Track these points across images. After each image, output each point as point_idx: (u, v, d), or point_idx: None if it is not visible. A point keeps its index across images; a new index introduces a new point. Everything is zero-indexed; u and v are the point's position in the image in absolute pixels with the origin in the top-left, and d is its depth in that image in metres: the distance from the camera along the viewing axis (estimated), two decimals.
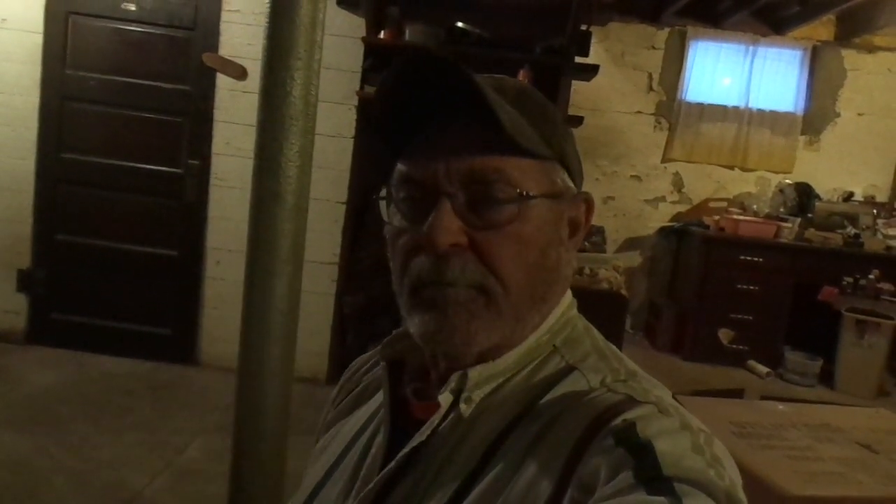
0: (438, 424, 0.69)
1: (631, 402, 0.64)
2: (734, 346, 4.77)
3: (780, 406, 1.76)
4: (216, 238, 4.07)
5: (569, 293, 0.77)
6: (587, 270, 3.71)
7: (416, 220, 0.68)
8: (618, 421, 0.61)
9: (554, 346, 0.73)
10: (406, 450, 0.69)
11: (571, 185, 0.74)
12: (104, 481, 2.77)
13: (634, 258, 5.26)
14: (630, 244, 5.37)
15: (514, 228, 0.67)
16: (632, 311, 5.18)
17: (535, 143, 0.68)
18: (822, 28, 5.13)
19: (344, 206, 4.01)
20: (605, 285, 3.68)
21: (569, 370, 0.70)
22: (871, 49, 5.20)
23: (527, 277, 0.68)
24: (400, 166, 0.72)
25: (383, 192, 0.73)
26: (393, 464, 0.70)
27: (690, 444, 0.58)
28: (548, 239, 0.70)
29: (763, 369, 4.60)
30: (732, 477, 0.58)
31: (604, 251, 4.63)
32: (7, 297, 4.13)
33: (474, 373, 0.68)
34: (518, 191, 0.67)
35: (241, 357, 1.33)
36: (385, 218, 0.73)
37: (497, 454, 0.65)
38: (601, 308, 3.45)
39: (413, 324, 0.70)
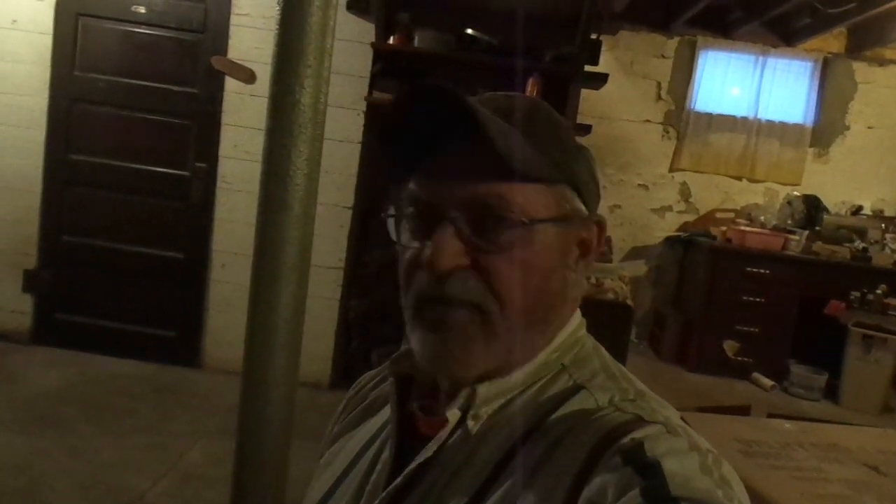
0: (446, 440, 0.69)
1: (639, 421, 0.63)
2: (739, 359, 4.75)
3: (787, 424, 1.74)
4: (222, 241, 4.07)
5: (578, 312, 0.77)
6: (592, 280, 3.69)
7: (422, 240, 0.69)
8: (626, 440, 0.60)
9: (562, 364, 0.72)
10: (413, 465, 0.69)
11: (582, 207, 0.73)
12: (106, 484, 2.76)
13: (640, 267, 5.25)
14: (636, 253, 5.36)
15: (518, 253, 0.67)
16: (637, 320, 5.16)
17: (538, 167, 0.68)
18: (834, 40, 5.11)
19: (350, 211, 4.01)
20: (610, 295, 3.66)
21: (577, 389, 0.70)
22: (883, 62, 5.18)
23: (527, 301, 0.68)
24: (410, 185, 0.72)
25: (392, 210, 0.74)
26: (400, 479, 0.70)
27: (699, 465, 0.58)
28: (552, 264, 0.70)
29: (768, 382, 4.58)
30: (741, 499, 0.58)
31: (609, 260, 4.62)
32: (13, 298, 4.14)
33: (482, 388, 0.69)
34: (521, 216, 0.67)
35: (245, 364, 1.32)
36: (392, 236, 0.74)
37: (504, 472, 0.65)
38: (606, 318, 3.44)
39: (414, 343, 0.71)
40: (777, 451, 1.52)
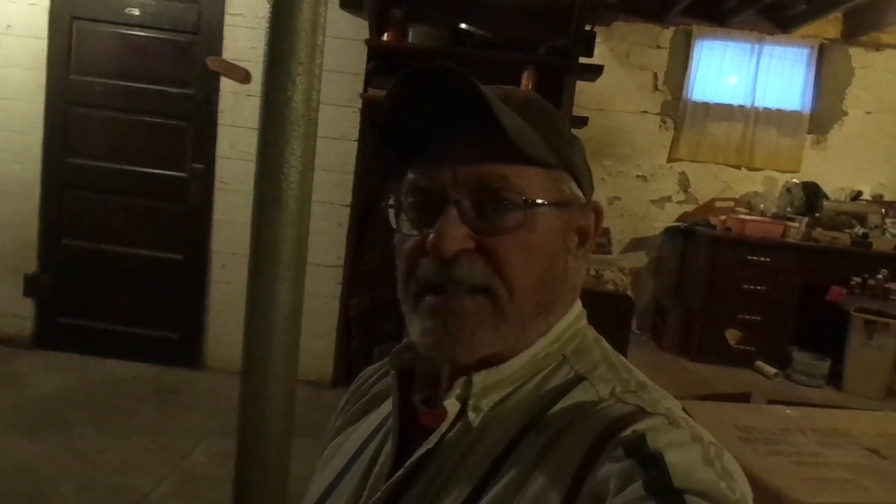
0: (446, 432, 0.69)
1: (641, 413, 0.63)
2: (741, 347, 4.74)
3: (787, 410, 1.74)
4: (221, 241, 4.07)
5: (578, 303, 0.77)
6: (592, 272, 3.69)
7: (424, 227, 0.69)
8: (628, 432, 0.60)
9: (563, 356, 0.72)
10: (414, 458, 0.69)
11: (580, 194, 0.74)
12: (110, 486, 2.77)
13: (640, 259, 5.24)
14: (636, 244, 5.35)
15: (521, 235, 0.67)
16: (638, 311, 5.15)
17: (540, 150, 0.68)
18: (829, 26, 5.09)
19: (348, 209, 4.01)
20: (610, 287, 3.66)
21: (578, 380, 0.70)
22: (879, 47, 5.16)
23: (533, 284, 0.68)
24: (409, 174, 0.72)
25: (391, 201, 0.74)
26: (401, 472, 0.70)
27: (701, 457, 0.58)
28: (555, 247, 0.70)
29: (770, 370, 4.58)
30: (744, 490, 0.58)
31: (609, 252, 4.61)
32: (14, 302, 4.15)
33: (479, 377, 0.68)
34: (524, 198, 0.67)
35: (245, 363, 1.33)
36: (393, 226, 0.74)
37: (506, 464, 0.65)
38: (607, 310, 3.43)
39: (415, 330, 0.70)
40: (777, 436, 1.52)
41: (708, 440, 0.61)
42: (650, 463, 0.57)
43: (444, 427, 0.69)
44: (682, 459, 0.57)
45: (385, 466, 0.73)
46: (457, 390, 0.68)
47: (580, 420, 0.65)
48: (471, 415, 0.68)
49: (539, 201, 0.68)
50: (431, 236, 0.66)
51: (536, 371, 0.71)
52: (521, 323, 0.69)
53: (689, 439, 0.60)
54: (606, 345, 0.76)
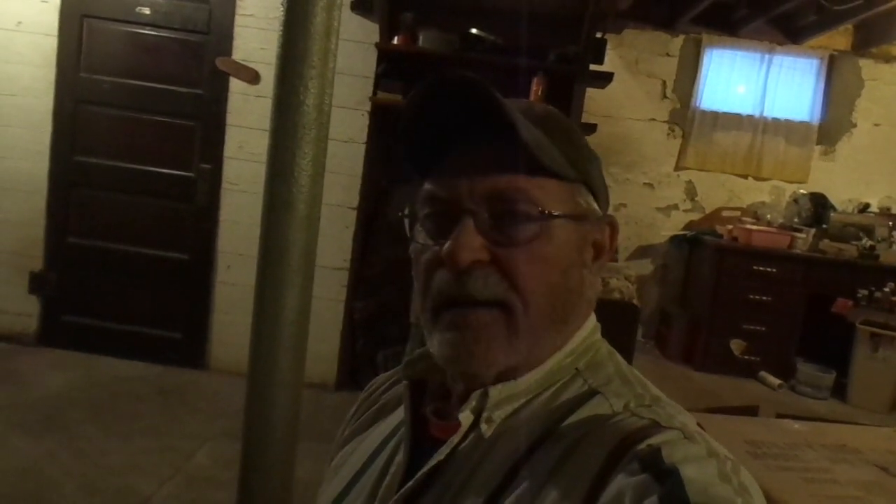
0: (458, 444, 0.69)
1: (656, 427, 0.63)
2: (746, 357, 4.73)
3: (796, 425, 1.73)
4: (227, 242, 4.07)
5: (593, 317, 0.76)
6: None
7: (440, 238, 0.69)
8: (643, 446, 0.60)
9: (576, 369, 0.72)
10: (426, 468, 0.69)
11: (596, 207, 0.74)
12: (113, 487, 2.76)
13: (644, 265, 5.24)
14: (642, 252, 5.34)
15: (537, 247, 0.67)
16: (643, 319, 5.14)
17: (558, 163, 0.68)
18: (840, 37, 5.08)
19: (355, 212, 4.01)
20: (616, 295, 3.66)
21: (592, 394, 0.69)
22: (889, 59, 5.16)
23: (547, 296, 0.68)
24: (426, 185, 0.72)
25: (407, 211, 0.74)
26: (412, 482, 0.69)
27: (717, 472, 0.57)
28: (570, 260, 0.70)
29: (775, 381, 4.56)
30: None
31: (615, 260, 4.60)
32: (19, 300, 4.15)
33: (495, 391, 0.68)
34: (540, 209, 0.67)
35: (251, 367, 1.32)
36: (409, 235, 0.74)
37: (518, 476, 0.65)
38: (612, 317, 3.42)
39: (434, 344, 0.70)
40: (786, 452, 1.51)
41: (724, 455, 0.60)
42: (666, 477, 0.56)
43: (456, 438, 0.68)
44: (698, 474, 0.56)
45: (396, 477, 0.73)
46: (472, 403, 0.68)
47: (594, 433, 0.64)
48: (483, 426, 0.68)
49: (556, 213, 0.68)
50: (447, 246, 0.66)
51: (549, 384, 0.70)
52: (535, 336, 0.68)
53: (704, 454, 0.59)
54: (620, 358, 0.76)
